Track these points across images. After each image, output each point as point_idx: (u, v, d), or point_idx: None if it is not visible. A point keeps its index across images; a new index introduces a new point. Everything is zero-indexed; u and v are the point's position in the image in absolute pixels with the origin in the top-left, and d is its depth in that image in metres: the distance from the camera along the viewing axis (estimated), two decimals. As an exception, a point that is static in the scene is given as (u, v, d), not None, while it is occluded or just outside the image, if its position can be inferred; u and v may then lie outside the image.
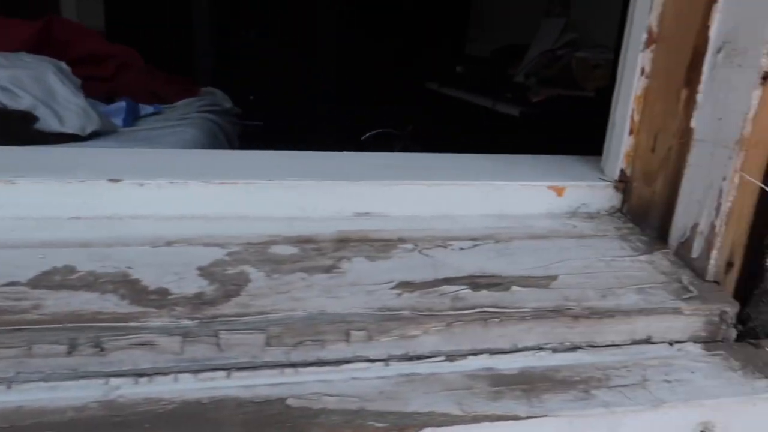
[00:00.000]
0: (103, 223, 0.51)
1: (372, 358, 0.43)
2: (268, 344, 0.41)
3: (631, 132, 0.61)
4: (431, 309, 0.44)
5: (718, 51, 0.51)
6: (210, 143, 1.99)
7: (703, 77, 0.53)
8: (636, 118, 0.61)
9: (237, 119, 2.68)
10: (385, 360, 0.43)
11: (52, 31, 2.19)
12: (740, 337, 0.50)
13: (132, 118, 2.03)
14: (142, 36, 2.78)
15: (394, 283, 0.47)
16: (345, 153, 0.64)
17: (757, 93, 0.48)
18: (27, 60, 1.79)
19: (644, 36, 0.59)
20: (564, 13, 2.78)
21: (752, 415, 0.43)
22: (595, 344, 0.47)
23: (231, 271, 0.46)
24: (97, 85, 2.12)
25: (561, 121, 2.14)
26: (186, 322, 0.40)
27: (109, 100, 2.12)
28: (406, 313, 0.43)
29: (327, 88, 3.50)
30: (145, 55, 2.48)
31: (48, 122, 1.64)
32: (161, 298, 0.42)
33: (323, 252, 0.50)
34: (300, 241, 0.52)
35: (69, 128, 1.66)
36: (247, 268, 0.47)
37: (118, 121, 1.94)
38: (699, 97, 0.53)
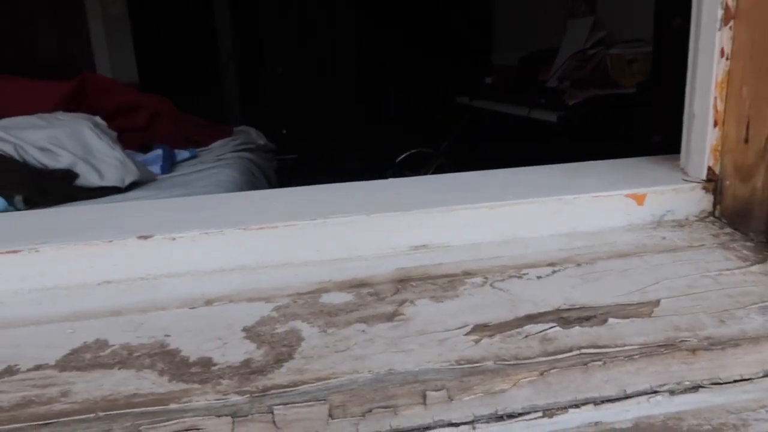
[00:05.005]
0: (136, 285, 0.47)
1: (455, 421, 0.36)
2: (331, 416, 0.34)
3: (715, 124, 0.54)
4: (518, 356, 0.37)
5: (821, 18, 0.44)
6: (246, 181, 1.97)
7: (805, 50, 0.45)
8: (720, 107, 0.53)
9: (272, 155, 2.67)
10: (471, 422, 0.36)
11: (85, 88, 2.24)
12: None
13: (169, 164, 2.03)
14: (174, 84, 2.84)
15: (468, 328, 0.40)
16: (391, 180, 0.58)
17: None
18: (63, 118, 1.82)
19: (720, 12, 0.51)
20: (590, 12, 2.69)
21: None
22: (721, 381, 0.39)
23: (280, 329, 0.40)
24: (132, 136, 2.15)
25: (603, 122, 2.04)
26: (234, 398, 0.34)
27: (146, 149, 2.13)
28: (489, 363, 0.37)
29: (356, 114, 3.50)
30: (178, 103, 2.51)
31: (88, 177, 1.64)
32: (204, 370, 0.36)
33: (381, 296, 0.44)
34: (353, 285, 0.46)
35: (108, 181, 1.66)
36: (298, 324, 0.41)
37: (156, 168, 1.94)
38: (801, 74, 0.45)
